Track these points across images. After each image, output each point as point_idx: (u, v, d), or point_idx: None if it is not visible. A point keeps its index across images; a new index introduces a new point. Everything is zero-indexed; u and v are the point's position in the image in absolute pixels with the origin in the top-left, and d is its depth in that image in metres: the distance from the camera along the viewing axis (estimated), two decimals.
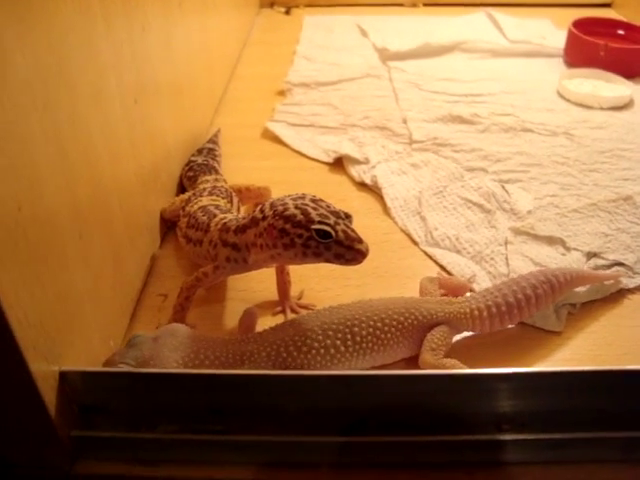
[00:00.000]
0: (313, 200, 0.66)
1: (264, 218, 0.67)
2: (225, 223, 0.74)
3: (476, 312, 0.70)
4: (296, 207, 0.64)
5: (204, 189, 0.88)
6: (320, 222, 0.62)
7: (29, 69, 0.50)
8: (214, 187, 0.89)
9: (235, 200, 0.88)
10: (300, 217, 0.63)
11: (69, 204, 0.58)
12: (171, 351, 0.63)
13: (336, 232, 0.62)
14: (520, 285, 0.71)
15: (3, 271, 0.46)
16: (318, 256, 0.64)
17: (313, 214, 0.63)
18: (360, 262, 0.63)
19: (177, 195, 0.95)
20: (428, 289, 0.76)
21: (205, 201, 0.83)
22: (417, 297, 0.71)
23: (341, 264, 0.63)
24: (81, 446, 0.58)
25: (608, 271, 0.82)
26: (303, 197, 0.66)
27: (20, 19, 0.48)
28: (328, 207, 0.65)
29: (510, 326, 0.74)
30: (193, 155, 1.04)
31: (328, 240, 0.62)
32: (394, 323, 0.67)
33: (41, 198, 0.52)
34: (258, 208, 0.69)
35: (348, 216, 0.65)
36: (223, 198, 0.86)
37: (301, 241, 0.63)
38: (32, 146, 0.51)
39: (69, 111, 0.58)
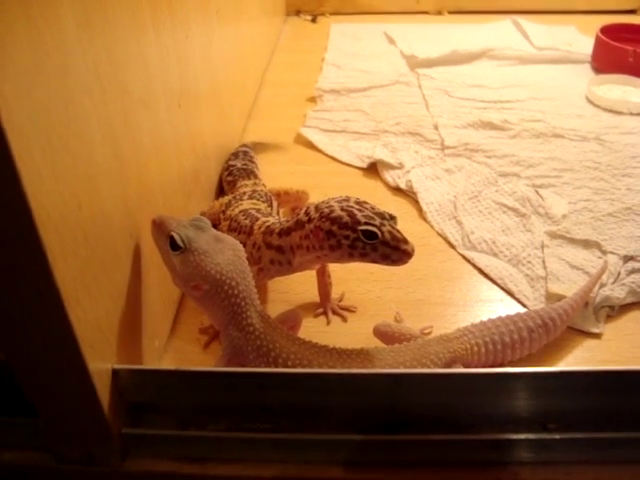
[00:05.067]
0: (358, 202, 0.66)
1: (310, 220, 0.67)
2: (269, 226, 0.75)
3: (475, 348, 0.69)
4: (342, 209, 0.65)
5: (244, 193, 0.89)
6: (366, 223, 0.63)
7: (89, 73, 0.51)
8: (254, 191, 0.90)
9: (275, 204, 0.89)
10: (346, 219, 0.64)
11: (121, 203, 0.59)
12: (225, 263, 0.64)
13: (382, 233, 0.63)
14: (517, 326, 0.70)
15: (65, 269, 0.47)
16: (364, 256, 0.64)
17: (359, 215, 0.64)
18: (406, 262, 0.63)
19: (215, 198, 0.97)
20: (398, 329, 0.73)
21: (246, 205, 0.84)
22: (417, 342, 0.68)
23: (387, 264, 0.64)
24: (131, 443, 0.59)
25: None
26: (348, 199, 0.67)
27: (82, 23, 0.50)
28: (373, 209, 0.66)
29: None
30: (230, 159, 1.05)
31: (374, 241, 0.63)
32: None
33: (98, 197, 0.53)
34: (303, 211, 0.70)
35: (393, 217, 0.65)
36: (263, 202, 0.87)
37: (348, 242, 0.64)
38: (91, 146, 0.52)
39: (122, 113, 0.59)
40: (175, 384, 0.59)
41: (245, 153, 1.07)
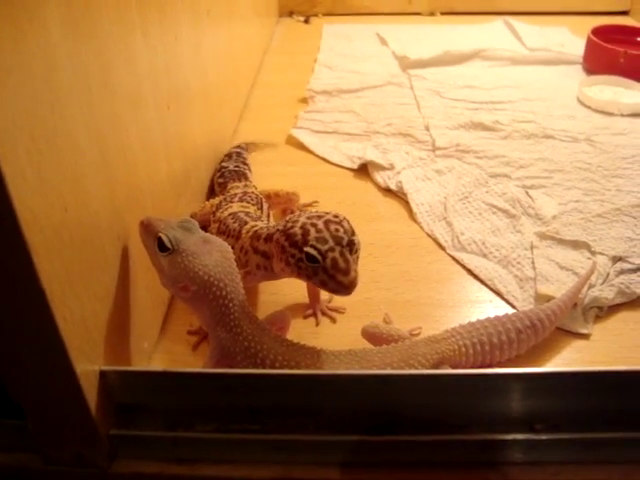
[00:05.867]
0: (327, 221, 0.64)
1: (277, 231, 0.68)
2: (256, 231, 0.75)
3: (463, 349, 0.69)
4: (302, 226, 0.64)
5: (234, 195, 0.89)
6: (312, 246, 0.62)
7: (76, 73, 0.51)
8: (244, 193, 0.89)
9: (265, 206, 0.89)
10: (298, 237, 0.63)
11: (108, 205, 0.59)
12: (213, 265, 0.64)
13: (324, 258, 0.61)
14: (505, 327, 0.70)
15: (51, 270, 0.47)
16: (309, 278, 0.63)
17: (312, 236, 0.63)
18: (343, 294, 0.62)
19: (206, 200, 0.97)
20: (387, 330, 0.73)
21: (235, 207, 0.84)
22: (405, 343, 0.68)
23: (328, 291, 0.63)
24: (119, 445, 0.59)
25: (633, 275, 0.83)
26: (321, 217, 0.65)
27: (67, 23, 0.50)
28: (336, 231, 0.63)
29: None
30: (223, 161, 1.05)
31: (315, 265, 0.62)
32: None
33: (85, 199, 0.53)
34: (287, 218, 0.69)
35: (352, 244, 0.63)
36: (253, 205, 0.86)
37: (293, 261, 0.64)
38: (77, 148, 0.52)
39: (109, 115, 0.59)
40: (163, 385, 0.59)
41: (239, 154, 1.08)
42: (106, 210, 0.58)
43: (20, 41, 0.43)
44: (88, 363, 0.54)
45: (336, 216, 0.66)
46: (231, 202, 0.86)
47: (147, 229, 0.64)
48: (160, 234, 0.63)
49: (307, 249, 0.62)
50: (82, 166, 0.53)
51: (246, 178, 1.00)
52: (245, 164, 1.05)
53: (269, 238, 0.72)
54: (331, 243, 0.62)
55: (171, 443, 0.60)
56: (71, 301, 0.50)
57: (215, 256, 0.64)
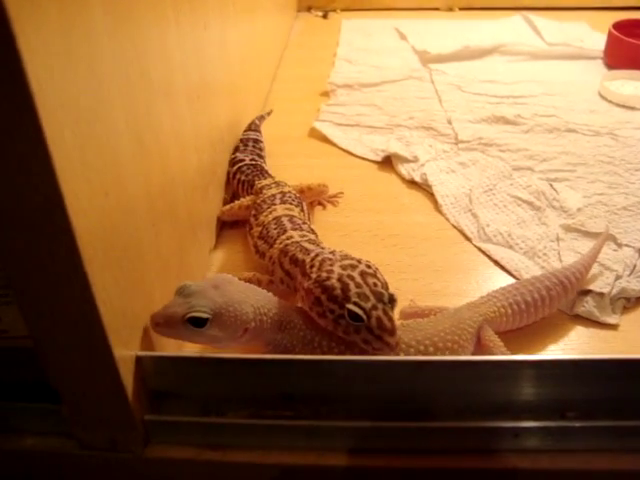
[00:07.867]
0: (363, 273, 0.63)
1: (306, 277, 0.65)
2: (287, 245, 0.74)
3: (502, 310, 0.71)
4: (339, 279, 0.62)
5: (273, 196, 0.87)
6: (355, 303, 0.60)
7: (115, 60, 0.51)
8: (282, 193, 0.88)
9: (305, 206, 0.88)
10: (338, 292, 0.61)
11: (144, 192, 0.59)
12: (244, 296, 0.63)
13: (369, 318, 0.59)
14: (535, 286, 0.73)
15: (93, 254, 0.47)
16: (347, 334, 0.61)
17: (352, 292, 0.60)
18: (387, 354, 0.60)
19: (226, 192, 0.97)
20: (425, 306, 0.75)
21: (280, 210, 0.83)
22: (449, 311, 0.69)
23: (367, 350, 0.61)
24: (153, 430, 0.59)
25: None
26: (355, 266, 0.63)
27: (109, 10, 0.50)
28: (375, 285, 0.62)
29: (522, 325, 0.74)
30: (238, 149, 1.03)
31: (359, 323, 0.60)
32: (449, 345, 0.65)
33: (123, 185, 0.53)
34: (312, 255, 0.68)
35: (392, 300, 0.61)
36: (296, 206, 0.85)
37: (332, 316, 0.61)
38: (116, 134, 0.52)
39: (145, 102, 0.60)
40: (197, 371, 0.59)
41: (255, 142, 1.05)
42: (142, 197, 0.59)
43: (67, 26, 0.43)
44: (125, 348, 0.54)
45: (369, 266, 0.64)
46: (273, 204, 0.85)
47: (169, 324, 0.60)
48: (189, 315, 0.59)
49: (350, 306, 0.59)
50: (120, 152, 0.53)
51: (268, 173, 0.97)
52: (261, 156, 1.03)
53: (293, 261, 0.71)
54: (373, 300, 0.60)
55: (205, 429, 0.60)
56: (110, 286, 0.50)
57: (234, 289, 0.63)
